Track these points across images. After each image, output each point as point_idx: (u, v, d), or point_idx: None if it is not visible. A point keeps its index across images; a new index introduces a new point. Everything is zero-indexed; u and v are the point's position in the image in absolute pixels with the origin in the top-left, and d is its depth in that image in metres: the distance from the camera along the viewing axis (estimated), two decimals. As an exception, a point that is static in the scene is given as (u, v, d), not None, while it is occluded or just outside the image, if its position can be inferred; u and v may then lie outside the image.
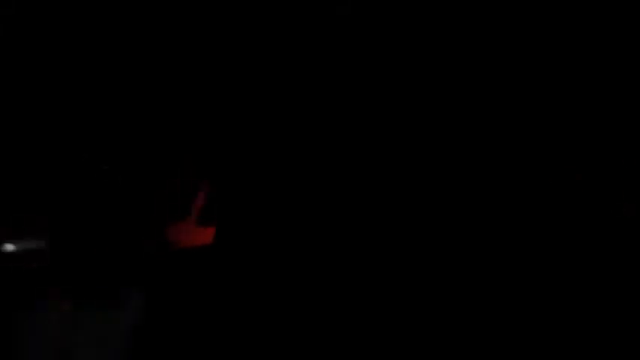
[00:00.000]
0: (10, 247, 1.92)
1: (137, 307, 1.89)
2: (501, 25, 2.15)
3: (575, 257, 2.02)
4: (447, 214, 2.12)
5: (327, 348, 2.00)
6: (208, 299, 2.01)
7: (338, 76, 2.19)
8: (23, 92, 2.12)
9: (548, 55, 2.14)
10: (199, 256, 2.04)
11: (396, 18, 2.17)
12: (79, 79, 2.14)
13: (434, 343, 2.02)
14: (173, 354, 1.94)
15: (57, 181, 2.03)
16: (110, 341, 1.84)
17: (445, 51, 2.17)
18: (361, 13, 2.15)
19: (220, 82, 2.20)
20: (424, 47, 2.18)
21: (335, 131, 2.18)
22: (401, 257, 2.10)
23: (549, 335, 2.01)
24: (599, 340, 1.97)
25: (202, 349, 1.96)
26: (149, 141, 2.09)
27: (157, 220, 2.02)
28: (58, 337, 1.81)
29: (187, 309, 1.99)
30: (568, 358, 1.97)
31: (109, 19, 2.15)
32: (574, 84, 2.12)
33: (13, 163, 2.04)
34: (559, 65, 2.13)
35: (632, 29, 2.10)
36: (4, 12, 2.05)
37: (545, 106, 2.13)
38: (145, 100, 2.14)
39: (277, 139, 2.18)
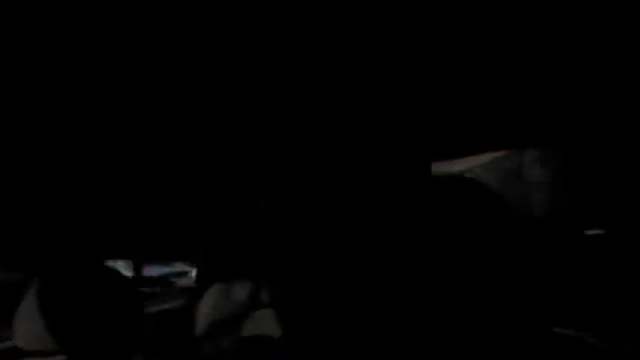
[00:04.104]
0: None
1: None
2: (501, 25, 2.15)
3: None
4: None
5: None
6: None
7: (338, 76, 2.19)
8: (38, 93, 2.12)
9: (548, 59, 2.15)
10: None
11: (396, 18, 2.17)
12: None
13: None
14: None
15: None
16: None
17: (445, 51, 2.17)
18: (361, 13, 2.15)
19: (220, 81, 2.20)
20: (423, 47, 2.18)
21: (334, 131, 2.18)
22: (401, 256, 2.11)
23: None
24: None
25: None
26: None
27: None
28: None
29: None
30: None
31: (122, 21, 2.15)
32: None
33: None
34: (559, 69, 2.14)
35: (632, 30, 2.10)
36: (4, 12, 2.05)
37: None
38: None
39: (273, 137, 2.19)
